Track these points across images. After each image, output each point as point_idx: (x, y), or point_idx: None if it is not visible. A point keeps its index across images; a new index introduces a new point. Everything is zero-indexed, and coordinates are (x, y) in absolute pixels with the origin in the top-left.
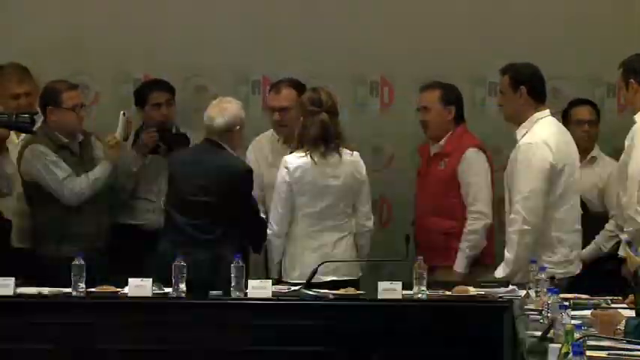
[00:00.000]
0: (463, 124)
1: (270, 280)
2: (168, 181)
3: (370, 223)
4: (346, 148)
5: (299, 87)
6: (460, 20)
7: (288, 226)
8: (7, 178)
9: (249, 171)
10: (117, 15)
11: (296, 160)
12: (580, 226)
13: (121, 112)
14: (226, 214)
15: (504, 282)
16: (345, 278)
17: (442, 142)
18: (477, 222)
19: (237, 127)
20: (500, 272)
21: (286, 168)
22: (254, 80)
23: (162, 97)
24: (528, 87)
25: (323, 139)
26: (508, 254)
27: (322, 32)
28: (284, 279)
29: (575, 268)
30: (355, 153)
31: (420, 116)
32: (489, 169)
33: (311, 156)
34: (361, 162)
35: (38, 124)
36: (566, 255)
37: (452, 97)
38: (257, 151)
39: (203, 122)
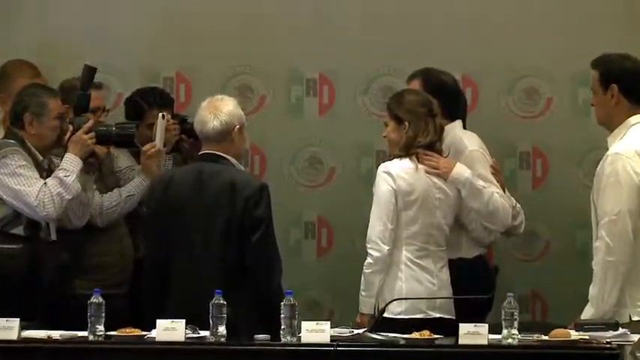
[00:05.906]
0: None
1: (329, 322)
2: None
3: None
4: None
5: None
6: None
7: None
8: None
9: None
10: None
11: (398, 166)
12: None
13: (160, 115)
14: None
15: (612, 323)
16: (447, 316)
17: None
18: None
19: (237, 128)
20: (586, 313)
21: (389, 175)
22: (309, 79)
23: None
24: (621, 85)
25: (431, 146)
26: (592, 290)
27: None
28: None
29: None
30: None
31: None
32: None
33: (418, 159)
34: None
35: None
36: None
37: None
38: None
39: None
